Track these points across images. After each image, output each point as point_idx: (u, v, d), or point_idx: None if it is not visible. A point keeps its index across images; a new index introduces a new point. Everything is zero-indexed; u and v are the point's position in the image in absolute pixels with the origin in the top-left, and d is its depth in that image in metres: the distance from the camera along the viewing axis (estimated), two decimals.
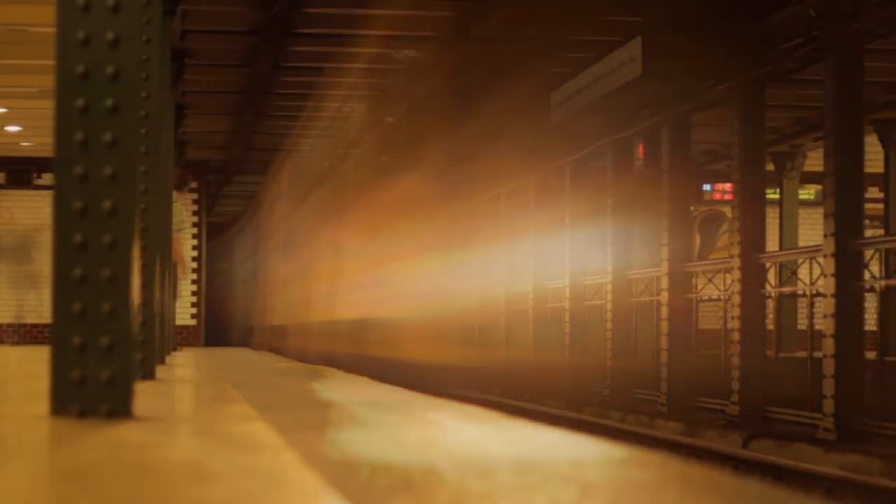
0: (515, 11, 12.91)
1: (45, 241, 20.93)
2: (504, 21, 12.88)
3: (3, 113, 19.70)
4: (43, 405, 3.49)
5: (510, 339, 17.54)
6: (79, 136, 3.49)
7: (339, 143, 16.05)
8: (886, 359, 10.43)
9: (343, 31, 13.66)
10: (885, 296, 10.38)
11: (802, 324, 12.35)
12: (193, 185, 22.47)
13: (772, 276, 11.95)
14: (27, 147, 22.34)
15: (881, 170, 16.67)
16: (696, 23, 12.33)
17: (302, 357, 15.26)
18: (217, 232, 32.96)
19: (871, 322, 11.16)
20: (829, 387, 10.06)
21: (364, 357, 12.78)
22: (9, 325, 23.10)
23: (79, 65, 3.51)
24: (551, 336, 16.55)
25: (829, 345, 10.10)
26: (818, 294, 10.69)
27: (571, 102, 14.48)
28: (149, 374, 6.27)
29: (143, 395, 4.06)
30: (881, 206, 16.67)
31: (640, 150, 15.76)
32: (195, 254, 24.30)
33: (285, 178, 20.96)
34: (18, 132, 21.30)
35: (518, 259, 17.40)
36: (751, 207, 11.93)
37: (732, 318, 12.06)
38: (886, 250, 10.49)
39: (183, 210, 15.38)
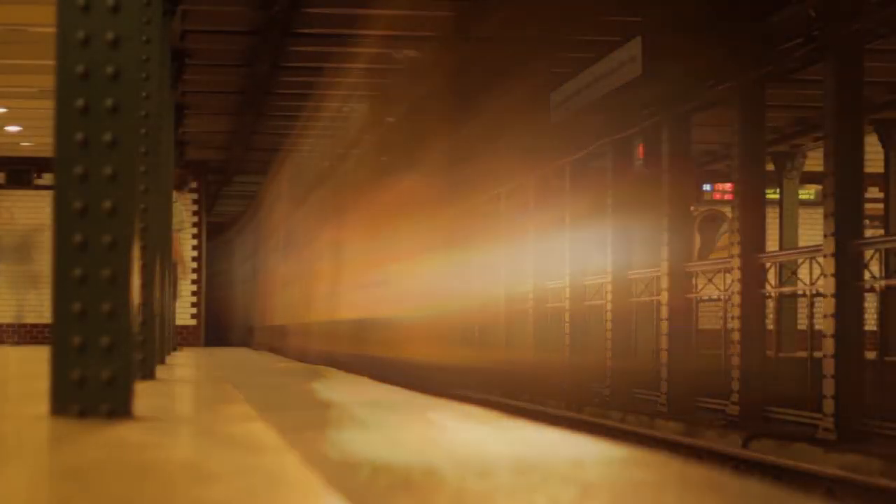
0: (515, 11, 12.90)
1: (45, 241, 20.90)
2: (504, 21, 12.87)
3: (3, 113, 19.70)
4: (43, 405, 3.49)
5: (510, 340, 17.53)
6: (79, 136, 3.49)
7: (339, 143, 16.05)
8: (886, 359, 10.43)
9: (343, 31, 13.66)
10: (885, 296, 10.38)
11: (802, 324, 12.35)
12: (193, 185, 22.48)
13: (772, 276, 11.95)
14: (27, 147, 22.35)
15: (881, 170, 16.67)
16: (696, 23, 12.33)
17: (302, 357, 15.27)
18: (217, 232, 32.96)
19: (871, 322, 11.16)
20: (829, 387, 10.06)
21: (364, 357, 12.78)
22: (9, 325, 23.09)
23: (79, 65, 3.51)
24: (551, 336, 16.54)
25: (829, 345, 10.10)
26: (818, 294, 10.69)
27: (571, 102, 14.47)
28: (149, 374, 6.27)
29: (143, 395, 4.06)
30: (881, 206, 16.67)
31: (640, 150, 15.75)
32: (195, 254, 24.30)
33: (285, 178, 20.95)
34: (18, 132, 21.30)
35: (518, 259, 17.37)
36: (751, 207, 11.93)
37: (732, 318, 12.05)
38: (886, 250, 10.48)
39: (183, 210, 15.38)
